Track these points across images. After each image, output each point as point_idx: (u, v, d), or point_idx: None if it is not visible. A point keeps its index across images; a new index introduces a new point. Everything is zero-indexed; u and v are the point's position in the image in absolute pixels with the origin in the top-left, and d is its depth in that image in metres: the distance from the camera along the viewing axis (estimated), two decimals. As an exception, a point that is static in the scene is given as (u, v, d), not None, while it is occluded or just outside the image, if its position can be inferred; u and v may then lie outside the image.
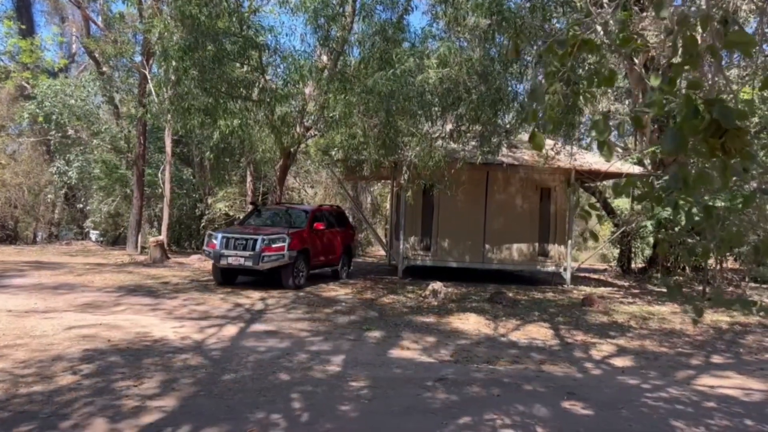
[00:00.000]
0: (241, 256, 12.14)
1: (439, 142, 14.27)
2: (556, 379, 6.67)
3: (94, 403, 4.96)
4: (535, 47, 11.11)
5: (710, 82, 2.59)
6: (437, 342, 8.26)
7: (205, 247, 13.05)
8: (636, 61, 12.59)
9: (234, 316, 9.42)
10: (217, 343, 7.48)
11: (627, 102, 16.15)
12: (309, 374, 6.26)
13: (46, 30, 39.99)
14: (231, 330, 8.33)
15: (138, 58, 20.83)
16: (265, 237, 12.23)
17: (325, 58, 13.91)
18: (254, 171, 21.54)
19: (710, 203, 2.54)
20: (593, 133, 2.54)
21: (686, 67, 2.39)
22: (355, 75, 13.06)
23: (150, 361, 6.39)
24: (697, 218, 2.60)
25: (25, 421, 4.50)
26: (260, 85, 13.27)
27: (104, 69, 23.16)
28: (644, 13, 12.22)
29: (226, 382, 5.80)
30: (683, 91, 2.40)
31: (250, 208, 16.72)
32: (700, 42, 2.39)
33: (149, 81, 19.54)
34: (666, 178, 2.51)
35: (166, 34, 12.00)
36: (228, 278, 13.08)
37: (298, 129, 14.30)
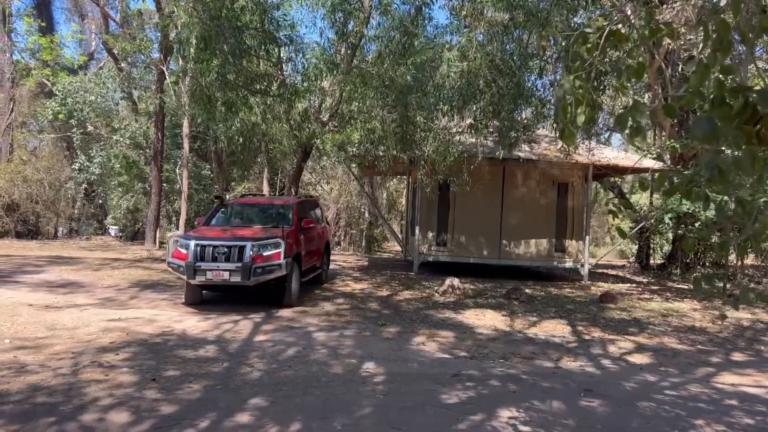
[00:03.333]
0: (225, 270, 9.14)
1: (457, 137, 14.22)
2: (573, 376, 6.62)
3: (114, 395, 5.02)
4: (559, 41, 10.99)
5: (741, 70, 2.52)
6: (453, 338, 8.24)
7: (170, 259, 9.64)
8: (656, 55, 12.41)
9: (250, 312, 9.46)
10: (235, 338, 7.53)
11: (646, 96, 15.93)
12: (325, 369, 6.27)
13: (65, 27, 40.55)
14: (247, 325, 8.37)
15: (155, 55, 20.99)
16: (254, 242, 9.41)
17: (342, 52, 13.90)
18: (271, 166, 21.62)
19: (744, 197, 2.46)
20: (629, 121, 2.45)
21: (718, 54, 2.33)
22: (373, 69, 13.04)
23: (169, 355, 6.45)
24: (729, 212, 2.53)
25: (45, 415, 4.56)
26: (279, 80, 13.30)
27: (122, 65, 23.39)
28: (664, 6, 12.05)
29: (243, 376, 5.84)
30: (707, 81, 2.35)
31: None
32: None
33: (167, 77, 19.70)
34: (696, 169, 2.45)
35: (189, 21, 12.02)
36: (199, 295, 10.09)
37: (314, 124, 14.32)
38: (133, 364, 6.06)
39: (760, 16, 2.22)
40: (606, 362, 7.50)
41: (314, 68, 13.17)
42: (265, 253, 9.39)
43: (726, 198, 2.51)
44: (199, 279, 9.22)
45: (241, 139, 15.47)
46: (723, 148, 2.28)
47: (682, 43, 13.32)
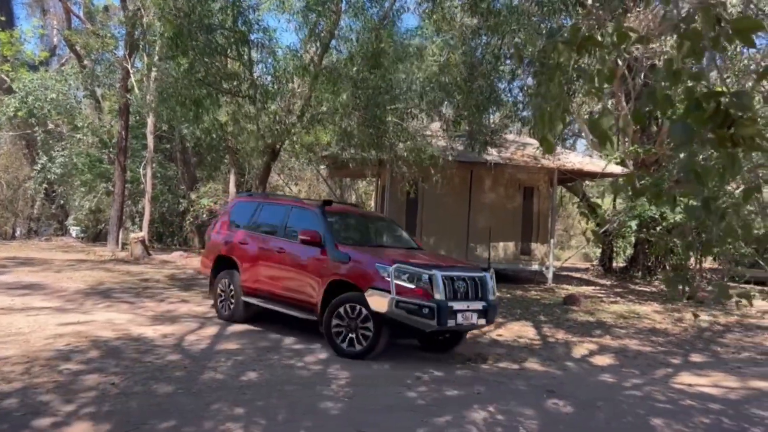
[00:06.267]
0: (474, 311, 6.94)
1: (428, 140, 14.32)
2: (537, 377, 6.70)
3: (72, 401, 4.88)
4: (527, 47, 11.10)
5: (708, 76, 2.58)
6: (419, 339, 8.24)
7: (398, 297, 6.54)
8: (620, 62, 12.68)
9: (214, 315, 9.34)
10: (198, 342, 7.40)
11: (610, 103, 16.26)
12: (290, 372, 6.22)
13: (26, 22, 39.43)
14: (211, 329, 8.25)
15: (120, 52, 20.58)
16: (476, 273, 7.37)
17: (312, 52, 13.85)
18: (238, 167, 21.37)
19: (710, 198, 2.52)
20: (602, 127, 2.49)
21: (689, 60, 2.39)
22: (343, 70, 13.03)
23: (129, 359, 6.31)
24: (701, 213, 2.58)
25: (-1, 420, 4.42)
26: (249, 81, 13.18)
27: (86, 62, 22.86)
28: (628, 14, 12.32)
29: (206, 380, 5.75)
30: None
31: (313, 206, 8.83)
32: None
33: (131, 75, 19.33)
34: (662, 172, 2.51)
35: (160, 16, 11.81)
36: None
37: (284, 125, 14.22)
38: (92, 368, 5.91)
39: (724, 25, 2.28)
40: (570, 364, 7.62)
41: (285, 72, 13.11)
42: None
43: (692, 201, 2.57)
44: (450, 323, 6.70)
45: (208, 139, 15.30)
46: (690, 152, 2.33)
47: (644, 51, 13.63)
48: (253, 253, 8.44)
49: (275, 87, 13.45)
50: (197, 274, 13.76)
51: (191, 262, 16.42)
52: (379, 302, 6.59)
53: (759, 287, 16.25)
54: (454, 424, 4.84)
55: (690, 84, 2.28)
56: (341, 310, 6.97)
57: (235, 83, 13.25)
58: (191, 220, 23.10)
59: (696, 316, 11.43)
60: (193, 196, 23.27)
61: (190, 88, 12.42)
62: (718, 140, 2.15)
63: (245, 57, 12.87)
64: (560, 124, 2.79)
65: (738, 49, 11.38)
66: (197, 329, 8.08)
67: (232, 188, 20.21)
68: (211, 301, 10.27)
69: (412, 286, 6.63)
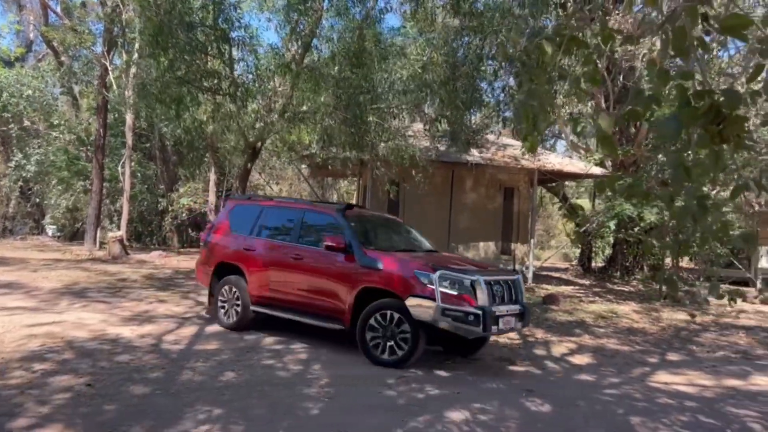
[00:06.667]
0: (513, 315, 6.85)
1: (410, 140, 14.36)
2: (516, 377, 6.75)
3: (46, 403, 4.79)
4: (512, 46, 11.14)
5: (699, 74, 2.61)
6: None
7: (444, 305, 6.37)
8: (599, 63, 12.81)
9: (193, 315, 9.25)
10: (176, 342, 7.32)
11: (590, 104, 16.43)
12: (270, 372, 6.18)
13: (1, 18, 38.66)
14: (190, 329, 8.17)
15: (98, 49, 20.29)
16: (510, 276, 7.31)
17: (294, 51, 13.79)
18: (218, 166, 21.21)
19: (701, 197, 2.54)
20: (576, 128, 2.54)
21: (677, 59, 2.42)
22: (325, 69, 13.00)
23: (105, 360, 6.22)
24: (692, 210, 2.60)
25: (-30, 422, 4.32)
26: (230, 79, 13.08)
27: (63, 59, 22.50)
28: (608, 17, 12.44)
29: (184, 380, 5.69)
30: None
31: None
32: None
33: (110, 72, 19.08)
34: (641, 172, 2.54)
35: (141, 12, 11.67)
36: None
37: (264, 123, 14.14)
38: (67, 369, 5.81)
39: (712, 23, 2.31)
40: (549, 363, 7.68)
41: (266, 70, 13.04)
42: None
43: (678, 199, 2.59)
44: (493, 329, 6.56)
45: (188, 137, 15.15)
46: (677, 148, 2.36)
47: (623, 53, 13.78)
48: (262, 260, 8.02)
49: (256, 85, 13.38)
50: (176, 274, 13.63)
51: (170, 262, 16.25)
52: (423, 310, 6.41)
53: (734, 287, 16.52)
54: (435, 423, 4.85)
55: (681, 83, 2.30)
56: (376, 318, 6.73)
57: (215, 81, 13.14)
58: (170, 219, 22.87)
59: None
60: (172, 195, 23.04)
61: (170, 85, 12.29)
62: (710, 136, 2.18)
63: (226, 55, 12.78)
64: (543, 123, 2.82)
65: (715, 52, 11.56)
66: (175, 329, 7.99)
67: (212, 187, 20.05)
68: (190, 302, 10.21)
69: (455, 292, 6.45)
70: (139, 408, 4.80)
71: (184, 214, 22.67)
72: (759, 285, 16.58)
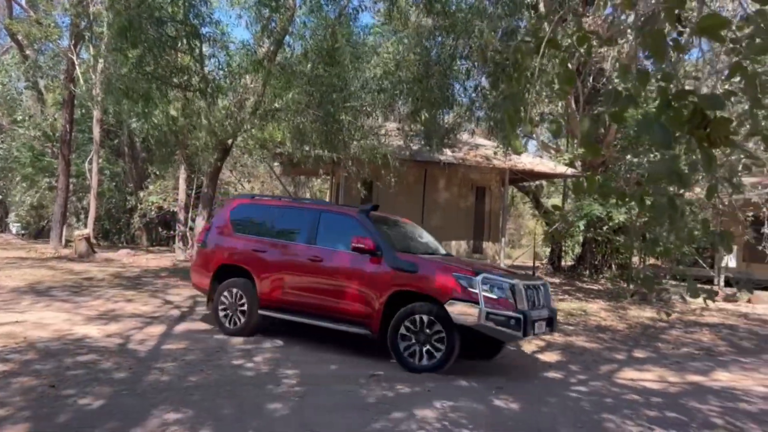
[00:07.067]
0: (544, 318, 6.82)
1: (383, 139, 14.36)
2: (487, 374, 6.79)
3: (7, 405, 4.66)
4: (491, 47, 11.21)
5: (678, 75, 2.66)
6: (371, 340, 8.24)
7: (487, 308, 6.27)
8: (569, 64, 12.98)
9: (161, 314, 9.11)
10: (143, 342, 7.20)
11: (560, 104, 16.65)
12: (239, 372, 6.12)
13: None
14: (158, 329, 8.04)
15: (65, 43, 19.84)
16: (539, 281, 7.26)
17: (266, 48, 13.66)
18: (189, 163, 20.91)
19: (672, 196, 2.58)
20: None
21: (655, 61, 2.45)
22: (298, 67, 12.91)
23: (71, 360, 6.08)
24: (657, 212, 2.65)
25: (-74, 426, 4.18)
26: (200, 75, 12.89)
27: (28, 52, 21.94)
28: (585, 17, 12.62)
29: (151, 381, 5.59)
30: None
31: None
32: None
33: (77, 67, 18.67)
34: (615, 172, 2.58)
35: (109, 6, 11.43)
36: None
37: (235, 120, 13.97)
38: (30, 370, 5.66)
39: (689, 25, 2.35)
40: (518, 360, 7.75)
41: (238, 67, 12.89)
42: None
43: (650, 200, 2.63)
44: (529, 333, 6.49)
45: (157, 134, 14.89)
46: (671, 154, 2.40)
47: (594, 55, 13.98)
48: (274, 262, 7.69)
49: (227, 82, 13.22)
50: (144, 273, 13.41)
51: (138, 261, 15.99)
52: (465, 314, 6.29)
53: (708, 286, 16.90)
54: (405, 421, 4.85)
55: (662, 84, 2.34)
56: (410, 322, 6.56)
57: (185, 77, 12.95)
58: (139, 217, 22.49)
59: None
60: (141, 193, 22.65)
61: (139, 81, 12.07)
62: (697, 141, 2.22)
63: (196, 51, 12.60)
64: (528, 126, 2.87)
65: (681, 56, 11.79)
66: (143, 329, 7.86)
67: (182, 185, 19.78)
68: (158, 301, 10.04)
69: (496, 296, 6.38)
70: (104, 409, 4.71)
71: (153, 212, 22.32)
72: (722, 283, 17.00)
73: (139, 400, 4.98)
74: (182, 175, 20.14)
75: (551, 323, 7.01)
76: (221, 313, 7.93)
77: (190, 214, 20.12)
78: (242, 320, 7.74)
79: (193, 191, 21.39)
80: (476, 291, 6.32)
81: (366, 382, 6.01)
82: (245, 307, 7.72)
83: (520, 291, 6.53)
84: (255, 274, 7.76)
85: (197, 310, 9.51)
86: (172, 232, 22.54)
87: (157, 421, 4.51)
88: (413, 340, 6.56)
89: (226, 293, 7.92)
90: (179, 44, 12.31)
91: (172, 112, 14.20)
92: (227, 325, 7.86)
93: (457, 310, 6.33)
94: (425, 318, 6.51)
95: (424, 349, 6.51)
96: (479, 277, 6.39)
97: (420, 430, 4.66)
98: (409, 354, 6.59)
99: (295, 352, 7.18)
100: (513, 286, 6.50)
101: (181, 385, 5.48)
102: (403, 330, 6.59)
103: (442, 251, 8.41)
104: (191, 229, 18.69)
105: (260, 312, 7.66)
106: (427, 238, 8.72)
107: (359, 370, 6.52)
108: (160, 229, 24.14)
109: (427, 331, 6.50)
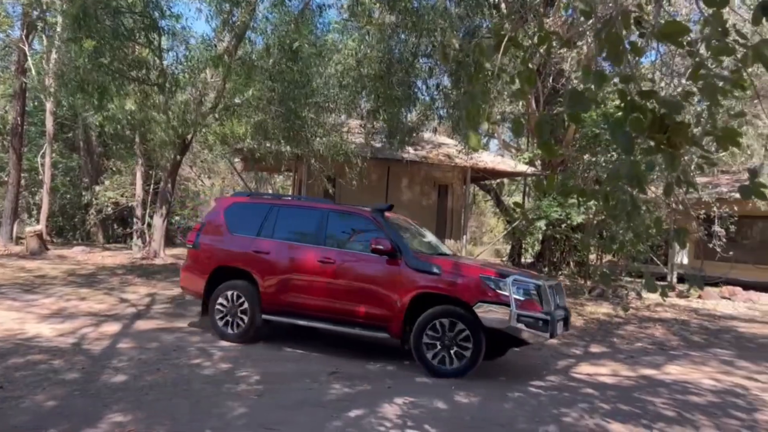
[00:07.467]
0: (560, 319, 6.74)
1: (346, 136, 14.32)
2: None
3: (-52, 408, 4.48)
4: (452, 46, 11.27)
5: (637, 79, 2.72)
6: (333, 336, 8.21)
7: (519, 311, 6.20)
8: (530, 64, 13.16)
9: (117, 313, 8.89)
10: (98, 341, 7.01)
11: (520, 104, 16.88)
12: (196, 371, 6.01)
13: None
14: (113, 327, 7.84)
15: (16, 32, 19.15)
16: (554, 282, 7.32)
17: (227, 42, 13.44)
18: (147, 158, 20.45)
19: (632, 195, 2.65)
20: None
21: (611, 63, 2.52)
22: (259, 62, 12.75)
23: (21, 360, 5.88)
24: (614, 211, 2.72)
25: None
26: (159, 69, 12.60)
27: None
28: (547, 18, 12.82)
29: (105, 381, 5.45)
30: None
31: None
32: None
33: (29, 57, 18.05)
34: (568, 173, 2.64)
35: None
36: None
37: (195, 116, 13.72)
38: (-24, 371, 5.45)
39: (649, 29, 2.41)
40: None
41: (197, 61, 12.66)
42: None
43: (611, 198, 2.69)
44: (555, 336, 6.67)
45: (114, 128, 14.51)
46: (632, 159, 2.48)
47: (553, 55, 14.22)
48: (280, 264, 7.30)
49: (186, 77, 12.97)
50: (99, 271, 13.06)
51: (93, 258, 15.56)
52: (495, 316, 6.21)
53: (663, 282, 17.41)
54: (366, 418, 4.85)
55: (620, 87, 2.40)
56: (437, 324, 6.40)
57: (143, 71, 12.65)
58: (95, 213, 21.88)
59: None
60: (97, 188, 22.03)
61: (95, 73, 11.74)
62: (656, 144, 2.30)
63: (155, 44, 12.32)
64: (486, 125, 2.89)
65: (635, 59, 12.09)
66: (97, 327, 7.66)
67: (139, 180, 19.34)
68: (113, 299, 9.79)
69: (523, 298, 6.29)
70: (54, 410, 4.56)
71: (109, 208, 21.75)
72: (675, 280, 17.53)
73: (92, 401, 4.85)
74: (139, 170, 19.67)
75: (567, 323, 6.99)
76: (218, 318, 7.47)
77: (147, 211, 19.68)
78: (243, 325, 7.32)
79: (151, 187, 20.93)
80: (506, 293, 6.24)
81: (326, 380, 5.99)
82: (247, 312, 7.29)
83: (545, 292, 6.50)
84: (258, 277, 7.33)
85: (154, 308, 9.32)
86: (129, 229, 22.03)
87: (110, 422, 4.40)
88: (438, 344, 6.42)
89: (224, 297, 7.45)
90: (137, 37, 12.02)
91: (129, 106, 13.87)
92: (227, 330, 7.41)
93: (487, 312, 6.24)
94: (451, 321, 6.37)
95: (452, 351, 6.38)
96: (510, 279, 6.33)
97: (380, 427, 4.67)
98: (435, 358, 6.44)
99: (254, 350, 7.10)
100: (539, 287, 6.45)
101: (136, 385, 5.36)
102: (427, 333, 6.43)
103: (447, 250, 8.32)
104: (149, 225, 18.29)
105: (264, 316, 7.29)
106: (430, 237, 8.58)
107: (320, 366, 6.49)
108: (116, 226, 23.54)
109: (451, 333, 6.37)
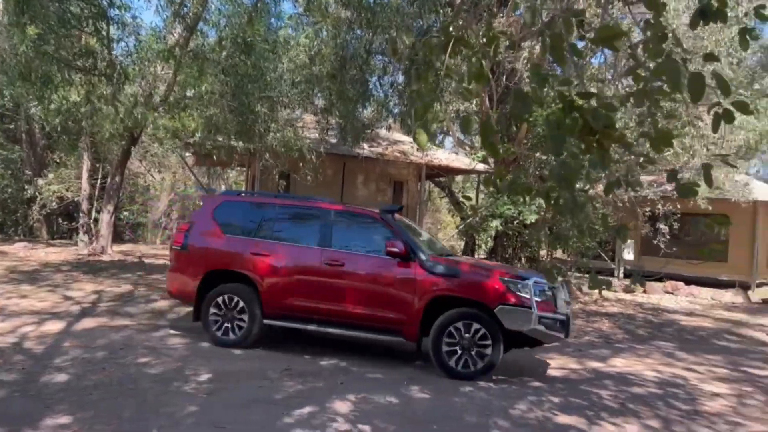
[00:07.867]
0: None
1: (301, 131, 14.20)
2: (398, 367, 6.88)
3: None
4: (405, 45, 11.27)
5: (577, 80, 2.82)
6: (285, 335, 8.15)
7: (540, 313, 6.24)
8: (484, 63, 13.32)
9: (61, 311, 8.59)
10: (40, 340, 6.76)
11: (474, 102, 17.07)
12: (144, 370, 5.87)
13: None
14: (57, 325, 7.57)
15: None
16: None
17: (178, 35, 13.12)
18: (94, 152, 19.80)
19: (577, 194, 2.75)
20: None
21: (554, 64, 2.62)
22: (211, 55, 12.49)
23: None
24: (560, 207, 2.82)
25: None
26: (107, 60, 12.18)
27: None
28: (493, 19, 12.99)
29: (47, 381, 5.26)
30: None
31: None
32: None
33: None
34: (516, 172, 2.72)
35: None
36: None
37: (144, 109, 13.34)
38: None
39: (587, 33, 2.49)
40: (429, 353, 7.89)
41: (147, 53, 12.30)
42: None
43: (560, 196, 2.77)
44: (569, 335, 6.78)
45: (58, 120, 13.96)
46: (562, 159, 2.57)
47: (506, 55, 14.43)
48: (282, 266, 7.00)
49: (136, 68, 12.60)
50: (42, 267, 12.57)
51: (36, 254, 14.99)
52: (516, 319, 6.21)
53: (604, 278, 17.92)
54: (317, 415, 4.83)
55: (561, 89, 2.47)
56: (454, 328, 6.35)
57: (90, 61, 12.21)
58: (39, 208, 21.05)
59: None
60: (40, 182, 21.21)
61: (38, 61, 11.26)
62: (586, 146, 2.41)
63: (103, 33, 11.90)
64: (434, 123, 2.94)
65: (588, 59, 12.40)
66: (39, 326, 7.39)
67: (85, 174, 18.73)
68: (57, 297, 9.46)
69: (541, 299, 6.31)
70: (-9, 413, 4.38)
71: (54, 203, 20.97)
72: (621, 275, 18.10)
73: (32, 402, 4.68)
74: (86, 163, 19.02)
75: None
76: (213, 323, 7.06)
77: (95, 206, 19.07)
78: (241, 330, 7.00)
79: (98, 181, 20.29)
80: (528, 296, 6.25)
81: (278, 378, 5.94)
82: (245, 317, 6.98)
83: (560, 293, 6.57)
84: (257, 280, 7.01)
85: (101, 306, 9.05)
86: (74, 224, 21.30)
87: (51, 423, 4.26)
88: (457, 347, 6.37)
89: (218, 301, 7.06)
90: (85, 25, 11.59)
91: (75, 97, 13.37)
92: (223, 336, 7.03)
93: (508, 314, 6.24)
94: (471, 324, 6.34)
95: (473, 352, 6.35)
96: (531, 281, 6.34)
97: (331, 423, 4.66)
98: (455, 361, 6.39)
99: (204, 348, 6.98)
100: (553, 289, 6.47)
101: (79, 385, 5.20)
102: (446, 337, 6.38)
103: (447, 251, 8.26)
104: (95, 221, 17.72)
105: (265, 321, 7.00)
106: (426, 236, 8.45)
107: (273, 364, 6.43)
108: (61, 221, 22.72)
109: (468, 335, 6.34)
